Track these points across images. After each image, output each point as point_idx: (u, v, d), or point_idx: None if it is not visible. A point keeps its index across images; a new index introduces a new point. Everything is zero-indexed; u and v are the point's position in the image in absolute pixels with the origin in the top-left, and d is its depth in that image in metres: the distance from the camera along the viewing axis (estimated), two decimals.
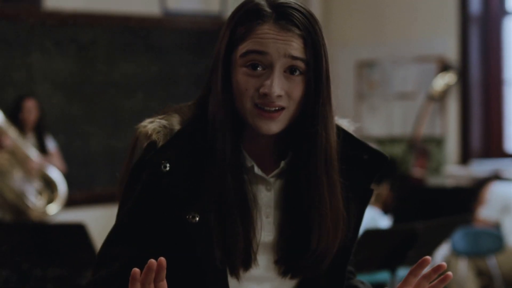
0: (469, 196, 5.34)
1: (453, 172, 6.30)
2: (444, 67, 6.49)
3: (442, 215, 4.45)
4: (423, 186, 6.24)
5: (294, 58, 1.36)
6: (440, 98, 6.49)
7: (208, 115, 1.40)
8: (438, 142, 6.56)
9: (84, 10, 6.18)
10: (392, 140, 6.88)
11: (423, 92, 6.60)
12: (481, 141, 6.46)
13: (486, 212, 5.27)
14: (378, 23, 6.95)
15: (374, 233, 2.87)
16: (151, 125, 1.42)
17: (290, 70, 1.37)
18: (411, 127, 6.58)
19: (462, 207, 5.05)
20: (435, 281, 1.37)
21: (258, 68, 1.36)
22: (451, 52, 6.51)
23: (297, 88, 1.37)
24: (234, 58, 1.38)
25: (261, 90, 1.35)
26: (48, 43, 6.01)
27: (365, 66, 7.07)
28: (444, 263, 1.37)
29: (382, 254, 2.86)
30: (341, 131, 1.48)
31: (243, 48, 1.36)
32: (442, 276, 1.36)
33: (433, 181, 6.43)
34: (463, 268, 5.05)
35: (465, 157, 6.41)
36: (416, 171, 6.36)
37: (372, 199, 5.37)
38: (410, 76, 6.77)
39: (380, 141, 6.94)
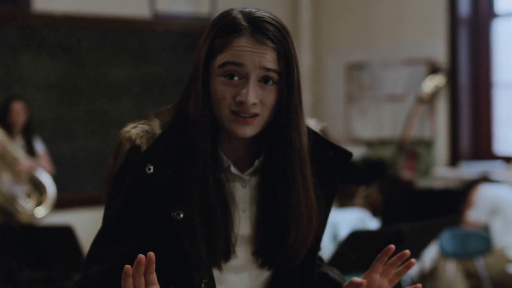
0: (458, 198, 5.34)
1: (442, 174, 6.30)
2: (434, 70, 6.49)
3: (431, 217, 4.46)
4: (413, 188, 6.25)
5: (268, 69, 1.47)
6: (430, 101, 6.49)
7: (188, 119, 1.50)
8: (428, 144, 6.56)
9: (73, 13, 6.16)
10: (382, 143, 6.88)
11: (413, 95, 6.60)
12: (470, 143, 6.46)
13: (475, 214, 5.29)
14: (368, 26, 6.94)
15: (361, 235, 2.87)
16: (134, 130, 1.51)
17: (264, 80, 1.48)
18: (401, 129, 6.59)
19: (451, 209, 5.05)
20: (400, 268, 1.55)
21: (235, 78, 1.47)
22: (440, 55, 6.51)
23: (270, 96, 1.48)
24: (212, 68, 1.49)
25: (238, 98, 1.46)
26: (37, 46, 6.00)
27: (355, 69, 7.06)
28: (408, 251, 1.53)
29: (369, 255, 2.86)
30: (311, 133, 1.58)
31: (221, 59, 1.47)
32: (406, 263, 1.54)
33: (423, 183, 6.43)
34: (451, 269, 5.06)
35: (454, 159, 6.42)
36: (406, 173, 6.36)
37: (360, 200, 5.36)
38: (400, 78, 6.77)
39: (370, 143, 6.95)
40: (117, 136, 1.54)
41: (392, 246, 1.53)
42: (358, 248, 2.70)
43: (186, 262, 1.47)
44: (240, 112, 1.46)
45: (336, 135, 6.97)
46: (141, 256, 1.34)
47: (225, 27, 1.48)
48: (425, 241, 3.08)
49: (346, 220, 5.05)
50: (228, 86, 1.47)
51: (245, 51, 1.46)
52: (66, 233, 3.19)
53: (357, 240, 2.69)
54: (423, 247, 3.14)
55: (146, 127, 1.52)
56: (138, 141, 1.49)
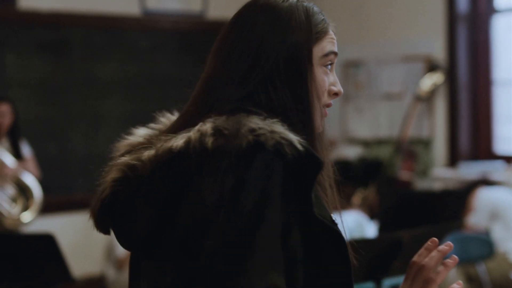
0: (457, 199, 5.23)
1: (441, 174, 6.21)
2: (432, 67, 6.40)
3: (430, 219, 4.34)
4: (410, 189, 6.16)
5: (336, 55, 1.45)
6: (428, 99, 6.41)
7: (298, 122, 1.32)
8: (426, 143, 6.48)
9: (60, 10, 6.04)
10: (379, 142, 6.80)
11: (410, 93, 6.52)
12: (470, 143, 6.37)
13: (474, 219, 5.18)
14: (364, 22, 6.86)
15: (356, 243, 2.74)
16: (286, 133, 1.25)
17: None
18: (398, 128, 6.50)
19: (451, 210, 4.94)
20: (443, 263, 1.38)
21: (329, 67, 1.42)
22: (439, 52, 6.42)
23: None
24: (314, 57, 1.38)
25: (336, 89, 1.41)
26: (23, 44, 5.88)
27: (350, 66, 6.98)
28: (451, 243, 1.39)
29: (366, 264, 2.74)
30: None
31: (323, 48, 1.40)
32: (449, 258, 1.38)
33: (421, 184, 6.35)
34: (452, 274, 4.94)
35: (453, 159, 6.33)
36: (403, 174, 6.27)
37: (357, 202, 5.18)
38: (397, 76, 6.69)
39: (366, 143, 6.87)
40: (238, 142, 1.22)
41: (435, 239, 1.39)
42: (354, 257, 2.56)
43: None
44: (329, 105, 1.42)
45: (332, 135, 6.88)
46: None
47: (319, 15, 1.43)
48: None
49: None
50: (327, 76, 1.40)
51: (335, 39, 1.44)
52: (47, 242, 3.05)
53: (352, 249, 2.55)
54: None
55: (284, 134, 1.25)
56: (300, 147, 1.24)
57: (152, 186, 1.25)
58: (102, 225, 1.34)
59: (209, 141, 1.22)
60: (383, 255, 2.79)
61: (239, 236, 1.19)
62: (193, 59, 6.68)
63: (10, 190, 5.37)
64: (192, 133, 1.23)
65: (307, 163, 1.25)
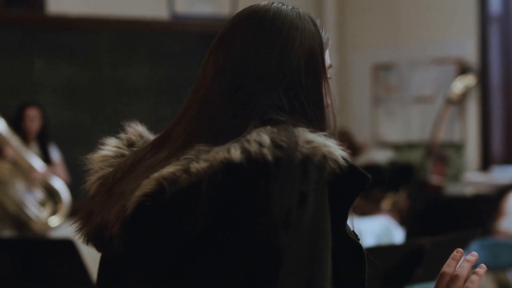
0: (489, 204, 5.14)
1: (473, 179, 6.12)
2: (463, 69, 6.32)
3: (461, 225, 4.26)
4: (441, 194, 6.08)
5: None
6: (459, 102, 6.34)
7: (317, 130, 1.26)
8: (457, 147, 6.41)
9: (89, 14, 6.08)
10: (410, 146, 6.74)
11: (442, 96, 6.44)
12: (503, 146, 6.28)
13: (507, 223, 5.08)
14: (395, 24, 6.80)
15: (374, 251, 2.69)
16: (333, 147, 1.22)
17: None
18: (429, 132, 6.42)
19: (482, 216, 4.85)
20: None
21: None
22: (471, 54, 6.33)
23: None
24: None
25: (330, 101, 1.34)
26: (51, 49, 5.92)
27: (381, 70, 6.93)
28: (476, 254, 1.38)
29: (387, 272, 2.68)
30: None
31: (327, 59, 1.36)
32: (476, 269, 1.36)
33: (452, 188, 6.28)
34: (482, 282, 4.85)
35: (486, 163, 6.24)
36: (434, 178, 6.19)
37: (387, 207, 5.10)
38: (428, 79, 6.63)
39: (397, 147, 6.81)
40: (285, 156, 1.18)
41: (461, 250, 1.37)
42: (374, 264, 2.51)
43: None
44: None
45: (362, 139, 6.82)
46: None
47: (319, 28, 1.37)
48: (449, 257, 2.87)
49: (370, 229, 4.88)
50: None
51: None
52: (67, 247, 3.05)
53: (372, 256, 2.50)
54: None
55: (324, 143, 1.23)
56: (345, 163, 1.22)
57: (198, 197, 1.18)
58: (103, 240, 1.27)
59: (269, 152, 1.18)
60: (405, 262, 2.74)
61: (308, 253, 1.17)
62: None
63: (39, 194, 5.40)
64: (248, 144, 1.18)
65: (350, 179, 1.24)
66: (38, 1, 5.88)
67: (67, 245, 3.09)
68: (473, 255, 1.34)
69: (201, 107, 1.29)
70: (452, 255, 1.36)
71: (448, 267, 1.35)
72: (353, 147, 6.81)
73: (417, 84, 6.70)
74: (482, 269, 1.35)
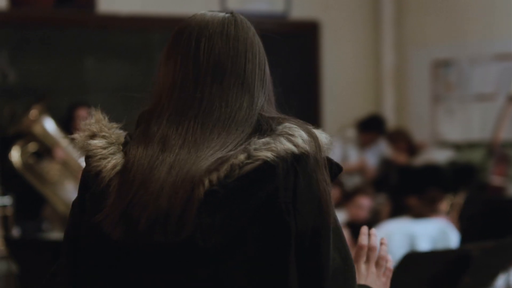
0: None
1: None
2: None
3: None
4: (502, 195, 5.88)
5: None
6: None
7: None
8: None
9: (140, 13, 6.06)
10: (470, 145, 6.61)
11: (504, 93, 6.30)
12: None
13: None
14: (455, 20, 6.66)
15: (417, 257, 2.57)
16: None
17: None
18: (491, 131, 6.27)
19: None
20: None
21: None
22: None
23: None
24: None
25: None
26: (102, 48, 5.92)
27: (441, 66, 6.79)
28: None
29: (431, 280, 2.56)
30: None
31: None
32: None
33: None
34: None
35: None
36: (495, 179, 6.01)
37: (446, 210, 4.90)
38: (490, 76, 6.49)
39: (458, 146, 6.68)
40: (315, 140, 1.38)
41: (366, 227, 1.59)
42: (415, 272, 2.39)
43: None
44: None
45: (421, 138, 6.67)
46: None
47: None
48: (499, 266, 2.73)
49: (425, 232, 4.72)
50: None
51: None
52: None
53: (413, 263, 2.38)
54: (496, 273, 2.78)
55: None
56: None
57: (236, 195, 1.32)
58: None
59: (308, 146, 1.35)
60: (450, 269, 2.61)
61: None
62: (275, 61, 6.57)
63: None
64: (294, 138, 1.35)
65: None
66: (89, 1, 5.89)
67: None
68: (372, 231, 1.55)
69: (220, 102, 1.40)
70: (362, 231, 1.56)
71: (363, 241, 1.55)
72: (412, 147, 6.65)
73: (478, 81, 6.56)
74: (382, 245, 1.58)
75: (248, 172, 1.32)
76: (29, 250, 3.27)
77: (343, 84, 6.90)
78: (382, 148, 6.55)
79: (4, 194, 4.81)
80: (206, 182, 1.31)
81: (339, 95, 6.87)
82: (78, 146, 1.42)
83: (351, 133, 6.51)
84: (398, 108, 7.01)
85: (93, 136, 1.42)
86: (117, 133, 1.46)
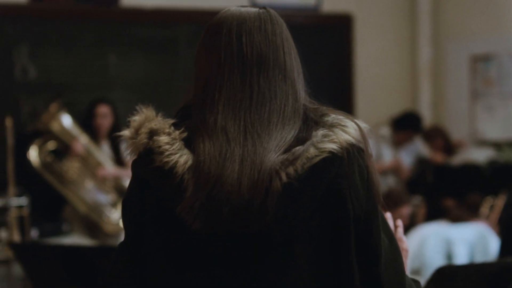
0: None
1: None
2: None
3: None
4: None
5: None
6: None
7: None
8: None
9: (165, 6, 5.94)
10: (511, 144, 6.42)
11: None
12: None
13: None
14: (495, 12, 6.47)
15: (450, 272, 2.36)
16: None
17: None
18: None
19: None
20: None
21: None
22: None
23: None
24: None
25: None
26: (126, 43, 5.81)
27: (480, 61, 6.62)
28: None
29: None
30: None
31: None
32: None
33: None
34: None
35: None
36: None
37: (485, 213, 4.65)
38: None
39: (498, 145, 6.51)
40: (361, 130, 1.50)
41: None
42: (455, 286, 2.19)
43: None
44: None
45: (459, 136, 6.47)
46: None
47: None
48: None
49: (462, 237, 4.53)
50: None
51: None
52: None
53: (448, 278, 2.18)
54: None
55: None
56: None
57: (307, 186, 1.42)
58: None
59: (358, 135, 1.48)
60: (493, 284, 2.40)
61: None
62: (306, 56, 6.44)
63: (111, 195, 5.27)
64: (348, 129, 1.46)
65: None
66: None
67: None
68: (387, 215, 1.61)
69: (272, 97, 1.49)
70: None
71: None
72: (449, 146, 6.45)
73: None
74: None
75: (316, 163, 1.41)
76: (34, 254, 3.16)
77: (377, 80, 6.74)
78: (418, 147, 6.36)
79: (20, 194, 4.70)
80: (284, 176, 1.40)
81: (373, 91, 6.70)
82: (139, 143, 1.47)
83: (385, 131, 6.31)
84: (435, 104, 6.81)
85: (154, 133, 1.47)
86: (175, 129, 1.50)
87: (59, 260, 3.00)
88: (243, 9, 1.56)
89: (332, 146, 1.42)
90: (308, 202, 1.42)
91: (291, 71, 1.51)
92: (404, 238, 1.65)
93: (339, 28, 6.60)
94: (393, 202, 5.05)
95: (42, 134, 5.19)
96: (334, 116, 1.49)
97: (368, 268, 1.46)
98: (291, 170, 1.40)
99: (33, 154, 5.14)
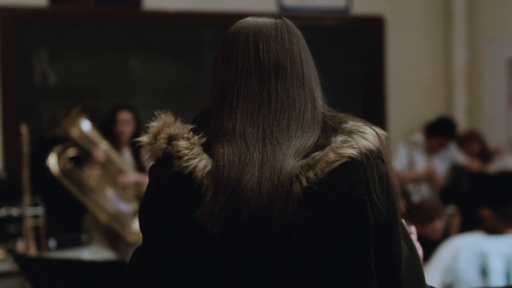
0: None
1: None
2: None
3: None
4: None
5: None
6: None
7: None
8: None
9: (189, 9, 5.80)
10: None
11: None
12: None
13: None
14: None
15: None
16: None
17: None
18: None
19: None
20: None
21: None
22: None
23: None
24: None
25: None
26: (149, 47, 5.68)
27: None
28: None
29: None
30: None
31: None
32: None
33: None
34: None
35: None
36: None
37: None
38: None
39: None
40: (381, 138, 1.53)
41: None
42: None
43: None
44: None
45: (496, 143, 6.24)
46: None
47: None
48: None
49: (499, 249, 4.31)
50: None
51: None
52: (120, 269, 2.74)
53: None
54: None
55: None
56: None
57: (326, 191, 1.44)
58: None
59: (377, 142, 1.49)
60: None
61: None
62: (336, 59, 6.25)
63: (132, 203, 5.16)
64: (366, 135, 1.48)
65: None
66: None
67: (119, 267, 2.79)
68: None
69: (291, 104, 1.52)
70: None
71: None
72: (485, 152, 6.23)
73: None
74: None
75: (335, 168, 1.44)
76: (39, 268, 3.05)
77: (410, 84, 6.56)
78: (453, 154, 6.14)
79: (36, 204, 4.59)
80: (304, 180, 1.42)
81: (405, 96, 6.52)
82: (158, 148, 1.49)
83: (419, 137, 6.10)
84: (470, 109, 6.61)
85: (173, 138, 1.50)
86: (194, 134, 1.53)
87: (64, 274, 2.89)
88: (259, 19, 1.57)
89: (351, 152, 1.44)
90: (328, 206, 1.44)
91: (309, 79, 1.53)
92: (418, 244, 1.66)
93: (370, 31, 6.42)
94: (426, 215, 4.87)
95: (62, 141, 5.10)
96: (353, 123, 1.50)
97: (388, 275, 1.47)
98: (311, 174, 1.43)
99: (53, 161, 5.06)
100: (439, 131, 6.03)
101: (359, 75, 6.31)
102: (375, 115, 6.32)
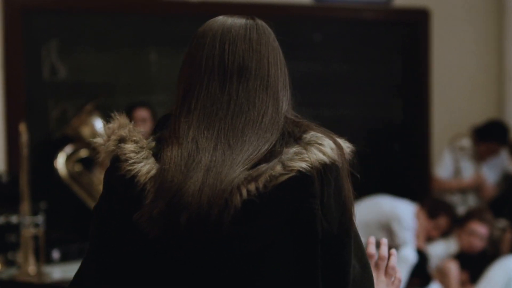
0: None
1: None
2: None
3: None
4: None
5: None
6: None
7: None
8: None
9: (214, 0, 5.56)
10: None
11: None
12: None
13: None
14: None
15: None
16: None
17: None
18: None
19: None
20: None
21: None
22: None
23: None
24: None
25: None
26: (169, 40, 5.48)
27: None
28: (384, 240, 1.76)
29: None
30: None
31: None
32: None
33: None
34: None
35: None
36: None
37: None
38: None
39: None
40: None
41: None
42: None
43: None
44: None
45: None
46: None
47: None
48: None
49: None
50: None
51: None
52: None
53: None
54: None
55: None
56: None
57: (270, 205, 1.45)
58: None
59: (335, 154, 1.50)
60: None
61: (362, 246, 1.59)
62: (376, 55, 5.99)
63: None
64: (324, 148, 1.49)
65: None
66: None
67: None
68: (383, 241, 1.73)
69: (248, 107, 1.54)
70: (369, 240, 1.75)
71: (371, 250, 1.72)
72: None
73: None
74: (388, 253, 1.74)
75: (283, 182, 1.45)
76: None
77: (457, 84, 6.23)
78: (504, 161, 5.81)
79: (36, 212, 4.27)
80: (244, 192, 1.44)
81: (451, 96, 6.20)
82: (108, 150, 1.54)
83: (466, 143, 5.79)
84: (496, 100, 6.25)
85: (123, 140, 1.53)
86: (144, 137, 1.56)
87: None
88: (230, 19, 1.58)
89: (301, 165, 1.46)
90: (273, 221, 1.45)
91: (274, 81, 1.54)
92: (396, 267, 1.70)
93: (414, 25, 6.13)
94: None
95: (72, 141, 4.91)
96: (313, 134, 1.51)
97: None
98: (252, 187, 1.44)
99: (61, 163, 4.87)
100: (489, 136, 5.75)
101: (400, 73, 6.04)
102: (417, 117, 6.09)
